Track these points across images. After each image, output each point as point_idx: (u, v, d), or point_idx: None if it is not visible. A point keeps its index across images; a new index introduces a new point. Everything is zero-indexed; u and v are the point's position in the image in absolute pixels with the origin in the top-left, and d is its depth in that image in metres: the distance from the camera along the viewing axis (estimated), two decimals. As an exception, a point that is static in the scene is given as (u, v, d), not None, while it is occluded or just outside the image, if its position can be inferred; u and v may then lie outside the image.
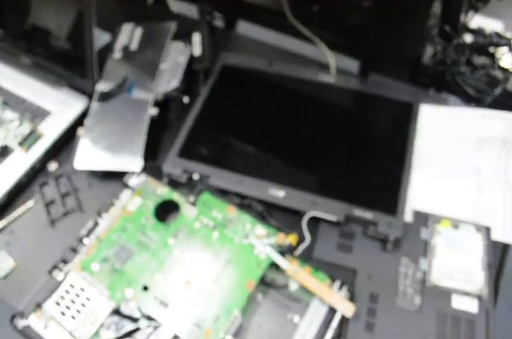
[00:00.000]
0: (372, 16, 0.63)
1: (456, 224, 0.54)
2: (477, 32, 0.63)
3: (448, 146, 0.59)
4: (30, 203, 0.63)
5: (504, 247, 0.53)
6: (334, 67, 0.67)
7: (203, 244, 0.53)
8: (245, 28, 0.78)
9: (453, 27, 0.58)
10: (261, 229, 0.53)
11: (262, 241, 0.52)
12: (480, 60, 0.64)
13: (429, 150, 0.59)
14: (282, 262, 0.50)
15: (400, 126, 0.60)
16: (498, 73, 0.62)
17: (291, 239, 0.51)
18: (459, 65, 0.59)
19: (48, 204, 0.62)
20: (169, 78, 0.66)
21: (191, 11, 0.79)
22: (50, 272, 0.55)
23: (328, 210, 0.53)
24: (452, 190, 0.56)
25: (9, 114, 0.69)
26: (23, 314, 0.53)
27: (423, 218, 0.54)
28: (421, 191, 0.56)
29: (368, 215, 0.53)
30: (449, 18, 0.58)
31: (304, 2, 0.73)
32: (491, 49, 0.63)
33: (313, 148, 0.60)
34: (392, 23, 0.60)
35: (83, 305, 0.52)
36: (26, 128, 0.66)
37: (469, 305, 0.49)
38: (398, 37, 0.60)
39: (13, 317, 0.53)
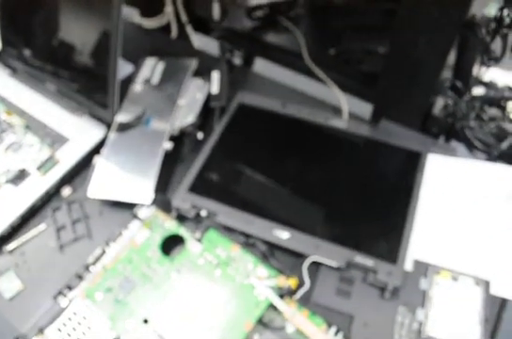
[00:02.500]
0: (385, 63, 0.65)
1: (455, 276, 0.54)
2: (489, 85, 0.65)
3: (453, 197, 0.60)
4: (42, 227, 0.65)
5: (503, 302, 0.53)
6: (346, 111, 0.69)
7: (205, 281, 0.55)
8: (261, 66, 0.81)
9: (464, 82, 0.60)
10: (262, 270, 0.54)
11: (262, 282, 0.53)
12: (491, 112, 0.65)
13: (434, 200, 0.60)
14: (281, 305, 0.51)
15: (407, 175, 0.61)
16: (508, 126, 0.64)
17: (291, 282, 0.52)
18: (469, 119, 0.61)
19: (59, 229, 0.64)
20: (186, 114, 0.69)
21: (212, 48, 0.82)
22: (55, 297, 0.57)
23: (330, 255, 0.54)
24: (454, 241, 0.57)
25: (31, 138, 0.72)
26: (25, 338, 0.54)
27: (422, 268, 0.55)
28: (423, 240, 0.57)
29: (369, 262, 0.54)
30: (461, 73, 0.60)
31: (321, 45, 0.76)
32: (502, 102, 0.65)
33: (320, 191, 0.61)
34: (404, 72, 0.61)
35: (84, 334, 0.53)
36: (45, 153, 0.69)
37: (463, 359, 0.49)
38: (409, 86, 0.62)
39: (15, 340, 0.55)
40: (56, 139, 0.71)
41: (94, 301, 0.55)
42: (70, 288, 0.58)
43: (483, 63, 0.60)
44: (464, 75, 0.60)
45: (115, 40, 0.65)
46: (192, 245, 0.57)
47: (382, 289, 0.54)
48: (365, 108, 0.70)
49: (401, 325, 0.52)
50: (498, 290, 0.53)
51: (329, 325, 0.51)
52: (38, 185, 0.66)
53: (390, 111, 0.67)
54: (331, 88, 0.72)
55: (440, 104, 0.64)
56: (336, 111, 0.70)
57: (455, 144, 0.66)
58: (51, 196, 0.67)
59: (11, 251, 0.63)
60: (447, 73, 0.62)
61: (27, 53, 0.79)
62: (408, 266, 0.55)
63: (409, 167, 0.62)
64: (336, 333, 0.51)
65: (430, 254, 0.56)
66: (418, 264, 0.55)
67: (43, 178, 0.67)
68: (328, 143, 0.66)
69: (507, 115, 0.65)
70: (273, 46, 0.80)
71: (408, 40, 0.55)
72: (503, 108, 0.65)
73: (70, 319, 0.55)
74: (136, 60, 0.79)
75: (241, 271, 0.55)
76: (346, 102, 0.70)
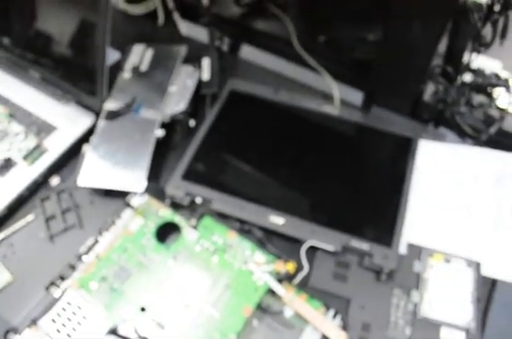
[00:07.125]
0: (377, 50, 0.65)
1: (447, 258, 0.55)
2: (477, 72, 0.65)
3: (443, 181, 0.61)
4: (30, 217, 0.63)
5: (493, 282, 0.55)
6: (338, 98, 0.69)
7: (203, 268, 0.54)
8: (250, 53, 0.80)
9: (455, 69, 0.61)
10: (260, 255, 0.54)
11: (260, 268, 0.53)
12: (478, 98, 0.66)
13: (425, 184, 0.61)
14: (280, 289, 0.51)
15: (399, 160, 0.62)
16: (495, 112, 0.65)
17: (289, 267, 0.53)
18: (459, 105, 0.62)
19: (48, 219, 0.63)
20: (177, 101, 0.68)
21: (200, 35, 0.80)
22: (47, 288, 0.56)
23: (326, 239, 0.55)
24: (445, 225, 0.58)
25: (15, 127, 0.69)
26: (17, 330, 0.53)
27: (416, 251, 0.56)
28: (416, 224, 0.58)
29: (364, 246, 0.55)
30: (452, 59, 0.61)
31: (311, 32, 0.76)
32: (489, 89, 0.66)
33: (314, 177, 0.62)
34: (397, 58, 0.62)
35: (79, 324, 0.52)
36: (32, 142, 0.67)
37: (456, 338, 0.51)
38: (402, 72, 0.62)
39: (7, 333, 0.53)
40: (42, 128, 0.69)
41: (89, 291, 0.54)
42: (62, 278, 0.56)
43: (474, 49, 0.60)
44: (455, 61, 0.61)
45: (103, 25, 0.62)
46: (188, 232, 0.57)
47: (377, 272, 0.55)
48: (357, 95, 0.70)
49: (397, 307, 0.53)
50: (488, 271, 0.55)
51: (327, 308, 0.52)
52: (24, 175, 0.65)
53: (381, 98, 0.68)
54: (322, 75, 0.72)
55: (430, 90, 0.65)
56: (328, 98, 0.70)
57: (443, 131, 0.67)
58: (39, 185, 0.66)
59: (-2, 243, 0.62)
60: (438, 60, 0.62)
61: (7, 41, 0.76)
62: (402, 249, 0.56)
63: (401, 152, 0.62)
64: (334, 316, 0.52)
65: (423, 237, 0.57)
66: (411, 247, 0.56)
67: (30, 167, 0.65)
68: (321, 129, 0.66)
69: (494, 101, 0.66)
70: (262, 33, 0.79)
71: (402, 26, 0.55)
72: (489, 95, 0.66)
73: (64, 309, 0.54)
74: (121, 47, 0.78)
75: (239, 257, 0.55)
76: (337, 88, 0.70)
